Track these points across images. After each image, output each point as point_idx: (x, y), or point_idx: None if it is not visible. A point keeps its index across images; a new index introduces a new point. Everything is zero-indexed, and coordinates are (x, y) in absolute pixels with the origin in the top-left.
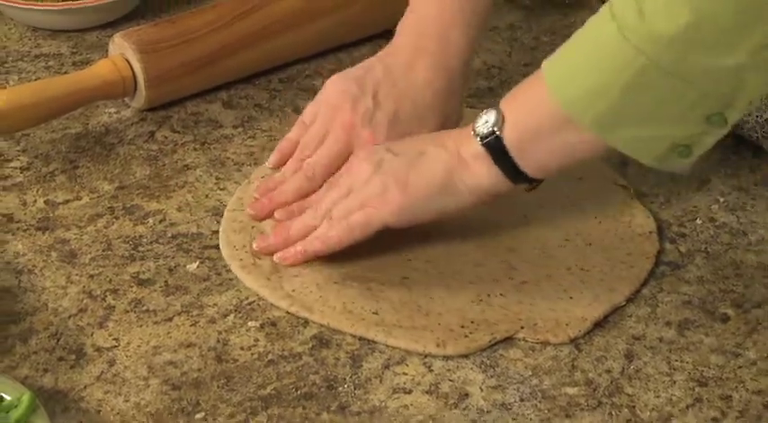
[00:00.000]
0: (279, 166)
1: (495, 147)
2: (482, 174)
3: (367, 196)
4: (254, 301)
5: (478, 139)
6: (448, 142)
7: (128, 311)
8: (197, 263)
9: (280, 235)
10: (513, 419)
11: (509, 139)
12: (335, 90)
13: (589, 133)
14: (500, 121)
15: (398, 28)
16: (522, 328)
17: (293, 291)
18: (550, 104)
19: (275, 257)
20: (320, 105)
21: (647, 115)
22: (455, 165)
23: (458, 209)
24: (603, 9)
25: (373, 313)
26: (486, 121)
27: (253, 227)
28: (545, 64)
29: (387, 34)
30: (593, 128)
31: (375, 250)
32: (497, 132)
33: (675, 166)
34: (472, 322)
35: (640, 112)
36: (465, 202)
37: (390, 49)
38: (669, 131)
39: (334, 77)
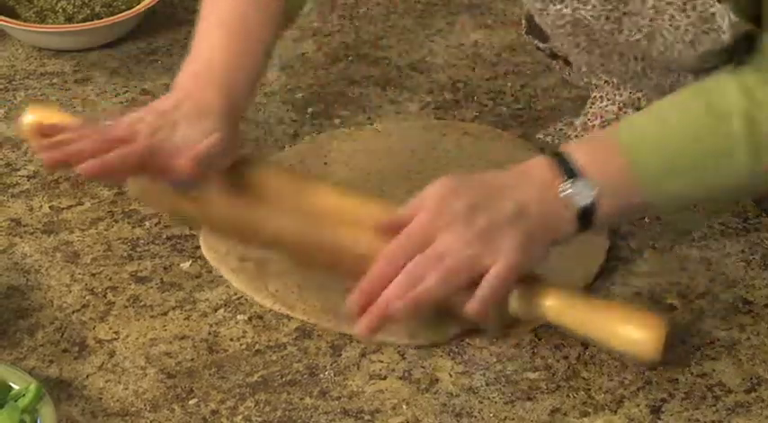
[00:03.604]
0: None
1: (589, 213)
2: (565, 232)
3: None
4: (242, 297)
5: (575, 209)
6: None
7: (126, 307)
8: (190, 262)
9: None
10: (480, 402)
11: (603, 211)
12: None
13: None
14: (595, 194)
15: (180, 79)
16: None
17: (276, 291)
18: (635, 179)
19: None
20: None
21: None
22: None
23: None
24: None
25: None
26: (579, 193)
27: None
28: (626, 132)
29: None
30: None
31: None
32: (595, 204)
33: None
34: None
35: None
36: None
37: (173, 102)
38: None
39: None
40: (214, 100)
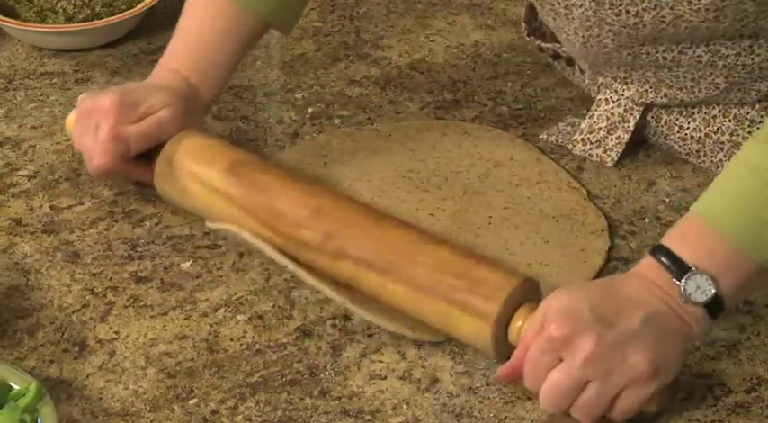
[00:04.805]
0: None
1: (715, 306)
2: (702, 328)
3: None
4: (242, 296)
5: (700, 306)
6: (670, 315)
7: (127, 307)
8: (190, 261)
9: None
10: (480, 402)
11: (727, 298)
12: None
13: None
14: (713, 285)
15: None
16: None
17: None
18: (747, 259)
19: None
20: None
21: None
22: (686, 332)
23: None
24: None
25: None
26: (698, 288)
27: None
28: (713, 216)
29: None
30: None
31: None
32: (719, 295)
33: None
34: None
35: None
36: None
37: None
38: None
39: None
40: (173, 82)
